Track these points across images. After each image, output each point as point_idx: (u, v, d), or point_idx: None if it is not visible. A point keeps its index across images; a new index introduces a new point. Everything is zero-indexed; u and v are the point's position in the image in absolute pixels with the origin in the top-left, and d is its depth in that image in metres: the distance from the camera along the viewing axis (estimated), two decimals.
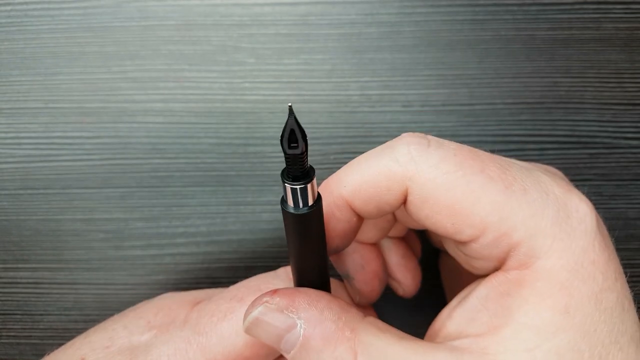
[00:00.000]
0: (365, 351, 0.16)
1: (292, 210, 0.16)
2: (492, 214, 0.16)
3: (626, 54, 0.27)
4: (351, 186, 0.17)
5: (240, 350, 0.19)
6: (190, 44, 0.27)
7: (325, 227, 0.18)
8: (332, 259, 0.23)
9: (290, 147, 0.14)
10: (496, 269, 0.17)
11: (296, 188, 0.15)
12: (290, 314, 0.17)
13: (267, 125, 0.28)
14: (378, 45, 0.27)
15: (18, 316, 0.30)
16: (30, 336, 0.30)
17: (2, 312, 0.30)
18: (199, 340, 0.20)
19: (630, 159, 0.28)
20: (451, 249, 0.20)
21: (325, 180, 0.19)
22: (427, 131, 0.27)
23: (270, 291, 0.17)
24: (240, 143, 0.28)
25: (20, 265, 0.29)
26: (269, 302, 0.17)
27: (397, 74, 0.27)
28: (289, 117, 0.14)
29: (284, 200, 0.16)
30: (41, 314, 0.30)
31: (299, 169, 0.15)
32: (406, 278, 0.24)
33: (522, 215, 0.16)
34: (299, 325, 0.16)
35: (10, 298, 0.30)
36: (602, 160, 0.28)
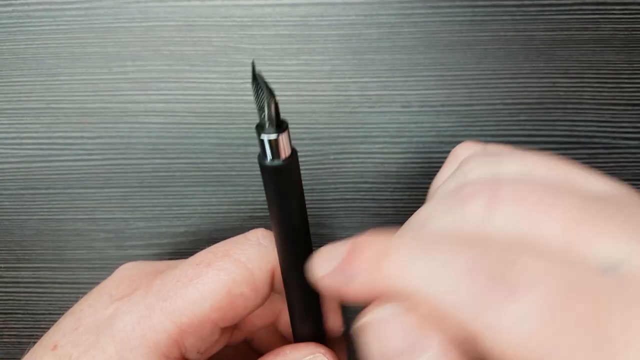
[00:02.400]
0: None
1: (269, 163, 0.16)
2: None
3: (625, 54, 0.27)
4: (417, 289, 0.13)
5: (207, 314, 0.19)
6: (192, 44, 0.27)
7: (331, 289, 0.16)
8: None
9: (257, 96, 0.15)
10: None
11: (272, 139, 0.16)
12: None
13: None
14: (377, 46, 0.27)
15: (20, 315, 0.30)
16: (32, 336, 0.30)
17: (3, 311, 0.30)
18: (164, 305, 0.19)
19: (629, 159, 0.28)
20: None
21: (385, 248, 0.14)
22: (427, 131, 0.28)
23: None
24: (241, 143, 0.28)
25: (21, 265, 0.29)
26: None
27: (397, 74, 0.27)
28: (254, 73, 0.15)
29: (260, 156, 0.16)
30: (43, 314, 0.30)
31: (272, 119, 0.15)
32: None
33: None
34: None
35: (11, 297, 0.30)
36: (600, 161, 0.28)
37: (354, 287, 0.14)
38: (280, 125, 0.16)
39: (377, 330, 0.13)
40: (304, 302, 0.21)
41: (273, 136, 0.16)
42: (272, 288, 0.21)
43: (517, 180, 0.15)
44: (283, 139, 0.16)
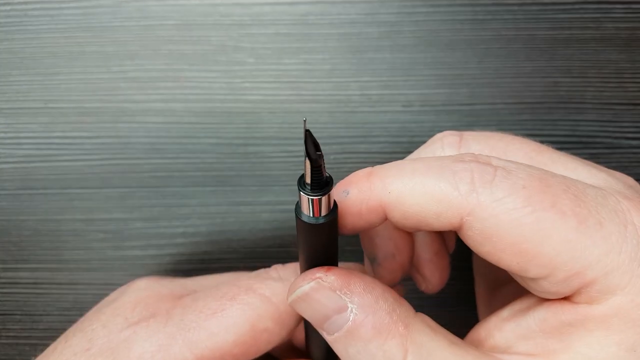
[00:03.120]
0: (417, 351, 0.15)
1: (306, 220, 0.15)
2: (563, 253, 0.15)
3: (627, 53, 0.27)
4: (396, 197, 0.16)
5: (229, 348, 0.19)
6: (190, 43, 0.27)
7: (342, 212, 0.17)
8: (362, 239, 0.22)
9: (311, 155, 0.14)
10: (557, 297, 0.16)
11: (313, 199, 0.15)
12: (344, 296, 0.16)
13: (266, 125, 0.28)
14: (378, 45, 0.27)
15: (18, 316, 0.30)
16: (30, 336, 0.30)
17: (1, 312, 0.30)
18: (186, 336, 0.19)
19: (631, 159, 0.28)
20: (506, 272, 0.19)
21: (371, 170, 0.17)
22: (428, 131, 0.27)
23: (324, 267, 0.16)
24: (240, 143, 0.28)
25: (19, 266, 0.29)
26: (323, 279, 0.16)
27: (397, 73, 0.27)
28: (305, 130, 0.14)
29: (298, 208, 0.16)
30: (41, 314, 0.30)
31: (317, 179, 0.15)
32: (434, 276, 0.23)
33: (597, 253, 0.15)
34: (350, 309, 0.15)
35: (9, 298, 0.30)
36: (602, 160, 0.28)
37: (350, 199, 0.16)
38: (325, 186, 0.15)
39: (306, 302, 0.16)
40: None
41: (315, 197, 0.15)
42: (299, 321, 0.21)
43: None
44: (325, 198, 0.15)
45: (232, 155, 0.28)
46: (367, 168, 0.17)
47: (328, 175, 0.15)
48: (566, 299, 0.16)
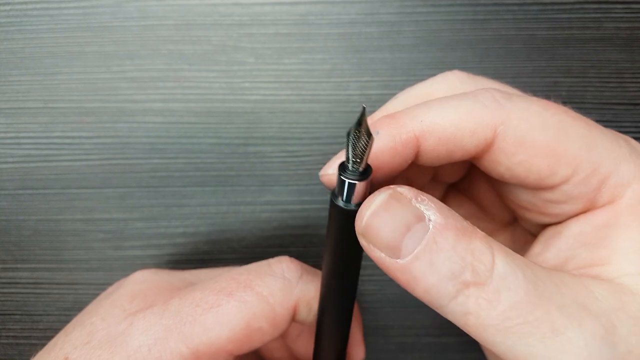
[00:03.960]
0: (500, 249, 0.15)
1: (342, 205, 0.15)
2: (584, 147, 0.16)
3: (627, 53, 0.27)
4: (429, 122, 0.16)
5: (223, 343, 0.19)
6: (190, 43, 0.27)
7: (376, 155, 0.17)
8: None
9: (366, 132, 0.14)
10: (579, 212, 0.17)
11: (354, 183, 0.15)
12: (420, 204, 0.15)
13: (266, 125, 0.28)
14: (378, 45, 0.27)
15: (17, 316, 0.30)
16: (30, 336, 0.30)
17: (1, 312, 0.30)
18: (181, 329, 0.19)
19: None
20: (526, 199, 0.19)
21: (389, 115, 0.17)
22: None
23: (391, 185, 0.16)
24: (240, 143, 0.28)
25: (19, 266, 0.29)
26: (397, 189, 0.15)
27: (398, 73, 0.27)
28: (363, 108, 0.14)
29: (334, 195, 0.16)
30: (40, 314, 0.30)
31: (358, 165, 0.15)
32: None
33: (606, 147, 0.16)
34: (427, 217, 0.15)
35: (9, 298, 0.30)
36: None
37: (383, 137, 0.16)
38: (366, 172, 0.15)
39: (384, 214, 0.15)
40: (335, 336, 0.21)
41: (355, 181, 0.15)
42: (290, 323, 0.21)
43: None
44: (363, 185, 0.15)
45: (232, 155, 0.28)
46: (386, 114, 0.17)
47: (368, 164, 0.15)
48: (590, 209, 0.17)
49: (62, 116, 0.28)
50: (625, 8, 0.27)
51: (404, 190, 0.15)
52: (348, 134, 0.14)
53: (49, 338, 0.30)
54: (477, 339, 0.15)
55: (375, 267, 0.29)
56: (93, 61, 0.27)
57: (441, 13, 0.27)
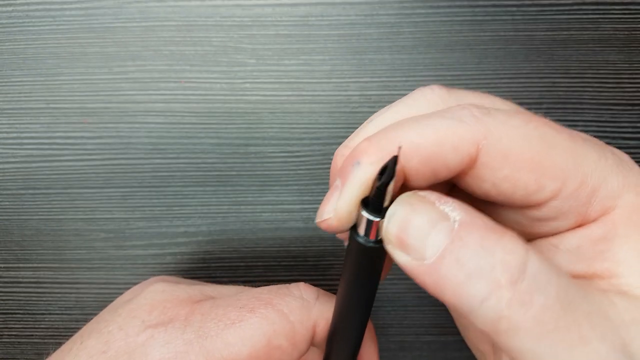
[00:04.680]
0: (534, 250, 0.14)
1: (362, 242, 0.15)
2: (570, 160, 0.16)
3: (625, 54, 0.27)
4: (409, 143, 0.15)
5: (243, 359, 0.19)
6: (191, 44, 0.27)
7: (362, 189, 0.16)
8: None
9: (381, 177, 0.14)
10: (569, 228, 0.17)
11: (376, 221, 0.15)
12: (443, 205, 0.14)
13: (267, 126, 0.28)
14: (378, 46, 0.27)
15: (19, 315, 0.30)
16: (32, 335, 0.30)
17: (3, 311, 0.30)
18: (203, 344, 0.19)
19: None
20: (513, 219, 0.18)
21: (367, 138, 0.17)
22: None
23: (410, 192, 0.16)
24: (241, 143, 0.28)
25: (21, 265, 0.29)
26: (419, 192, 0.15)
27: (397, 74, 0.27)
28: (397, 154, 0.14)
29: (355, 230, 0.16)
30: (42, 314, 0.30)
31: (381, 202, 0.15)
32: None
33: (593, 159, 0.16)
34: (452, 217, 0.14)
35: (11, 297, 0.30)
36: None
37: (363, 166, 0.16)
38: (387, 209, 0.15)
39: (409, 219, 0.14)
40: None
41: (376, 218, 0.15)
42: (310, 344, 0.21)
43: None
44: (383, 223, 0.15)
45: (233, 156, 0.28)
46: (363, 140, 0.17)
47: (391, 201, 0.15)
48: (583, 224, 0.16)
49: (64, 117, 0.28)
50: (624, 9, 0.27)
51: (426, 193, 0.15)
52: (380, 174, 0.14)
53: (51, 337, 0.30)
54: (503, 346, 0.14)
55: None
56: (95, 62, 0.27)
57: (440, 14, 0.27)
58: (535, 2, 0.27)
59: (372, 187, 0.15)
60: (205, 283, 0.24)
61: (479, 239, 0.14)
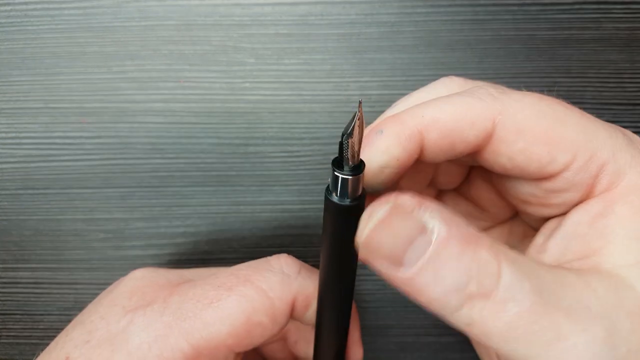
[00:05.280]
0: (509, 259, 0.14)
1: (336, 201, 0.16)
2: (581, 134, 0.16)
3: (626, 54, 0.27)
4: (430, 117, 0.17)
5: (223, 338, 0.19)
6: (191, 44, 0.27)
7: (382, 156, 0.17)
8: None
9: (346, 135, 0.15)
10: (580, 200, 0.17)
11: (347, 178, 0.15)
12: (422, 213, 0.15)
13: (267, 125, 0.28)
14: (378, 46, 0.27)
15: (18, 316, 0.30)
16: (31, 336, 0.30)
17: (2, 312, 0.30)
18: (182, 325, 0.19)
19: None
20: (528, 191, 0.19)
21: (391, 115, 0.18)
22: None
23: (392, 194, 0.16)
24: (241, 143, 0.28)
25: (20, 265, 0.29)
26: (398, 200, 0.15)
27: (397, 74, 0.27)
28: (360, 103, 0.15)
29: (329, 191, 0.16)
30: (41, 314, 0.30)
31: (350, 159, 0.15)
32: None
33: (603, 135, 0.17)
34: (431, 228, 0.14)
35: (10, 298, 0.30)
36: None
37: (386, 134, 0.17)
38: (359, 167, 0.15)
39: (386, 228, 0.15)
40: (334, 334, 0.21)
41: (348, 175, 0.15)
42: (289, 318, 0.21)
43: None
44: (356, 180, 0.15)
45: (232, 155, 0.28)
46: (388, 116, 0.18)
47: (361, 160, 0.16)
48: (588, 198, 0.17)
49: (63, 116, 0.28)
50: (625, 8, 0.27)
51: (406, 200, 0.15)
52: (342, 135, 0.15)
53: (50, 338, 0.30)
54: (482, 346, 0.15)
55: None
56: (94, 61, 0.27)
57: (441, 13, 0.27)
58: (536, 1, 0.27)
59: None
60: (185, 268, 0.24)
61: (455, 255, 0.14)
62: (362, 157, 0.16)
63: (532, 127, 0.16)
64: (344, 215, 0.16)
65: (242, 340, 0.19)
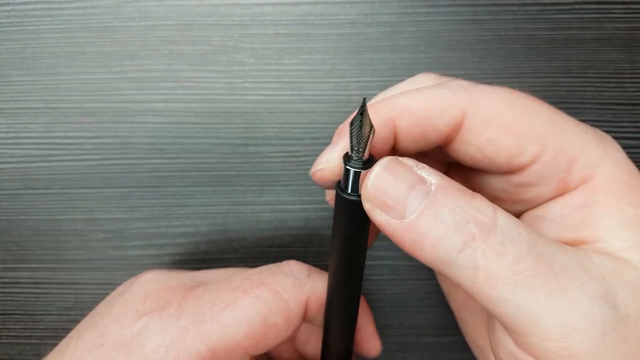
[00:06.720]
0: (503, 210, 0.15)
1: (347, 195, 0.16)
2: (549, 127, 0.17)
3: (626, 54, 0.27)
4: (402, 105, 0.17)
5: (240, 340, 0.19)
6: (191, 44, 0.27)
7: None
8: None
9: (359, 129, 0.15)
10: (555, 195, 0.18)
11: (359, 172, 0.16)
12: (420, 170, 0.16)
13: (267, 125, 0.28)
14: (378, 46, 0.27)
15: (18, 316, 0.30)
16: (31, 336, 0.30)
17: (2, 312, 0.30)
18: (199, 328, 0.19)
19: (630, 159, 0.28)
20: (500, 186, 0.20)
21: (369, 103, 0.18)
22: None
23: (391, 157, 0.17)
24: (241, 143, 0.28)
25: (20, 265, 0.29)
26: (399, 158, 0.16)
27: (397, 74, 0.27)
28: (362, 107, 0.15)
29: (340, 187, 0.16)
30: (41, 314, 0.30)
31: (362, 155, 0.15)
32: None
33: (572, 130, 0.17)
34: (429, 180, 0.15)
35: (10, 298, 0.30)
36: None
37: (375, 110, 0.17)
38: (370, 161, 0.16)
39: (389, 176, 0.16)
40: (342, 331, 0.21)
41: (360, 169, 0.16)
42: (302, 320, 0.21)
43: None
44: (367, 174, 0.16)
45: (232, 155, 0.28)
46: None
47: (371, 155, 0.16)
48: (566, 191, 0.18)
49: (63, 116, 0.28)
50: (625, 8, 0.27)
51: (406, 159, 0.16)
52: (351, 124, 0.15)
53: (50, 338, 0.30)
54: (485, 300, 0.15)
55: (374, 266, 0.29)
56: (94, 61, 0.27)
57: (441, 13, 0.27)
58: (536, 1, 0.27)
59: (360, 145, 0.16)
60: (196, 271, 0.24)
61: (454, 199, 0.15)
62: (337, 145, 0.17)
63: (500, 118, 0.17)
64: (357, 211, 0.16)
65: (258, 342, 0.20)
